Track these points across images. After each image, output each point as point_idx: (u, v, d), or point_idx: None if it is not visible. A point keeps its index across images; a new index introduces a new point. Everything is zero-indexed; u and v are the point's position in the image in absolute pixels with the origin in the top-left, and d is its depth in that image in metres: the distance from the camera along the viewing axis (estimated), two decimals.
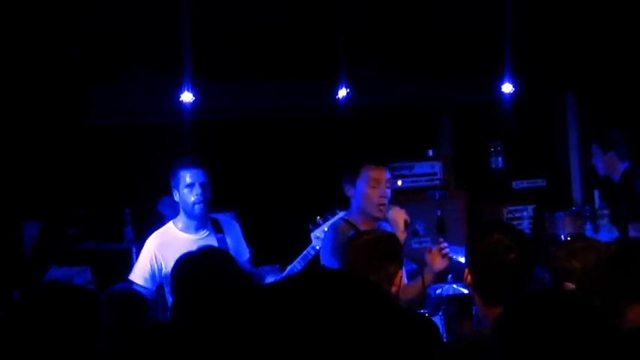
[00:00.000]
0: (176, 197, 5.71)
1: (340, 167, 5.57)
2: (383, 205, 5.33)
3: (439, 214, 8.79)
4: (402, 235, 5.20)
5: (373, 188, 5.31)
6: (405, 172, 8.96)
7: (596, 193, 9.01)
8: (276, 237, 7.78)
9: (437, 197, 8.88)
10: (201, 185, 5.64)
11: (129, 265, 7.70)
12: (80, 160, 8.19)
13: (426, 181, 9.03)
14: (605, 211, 8.76)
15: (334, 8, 7.93)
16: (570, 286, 3.84)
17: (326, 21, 8.05)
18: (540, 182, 9.48)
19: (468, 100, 9.46)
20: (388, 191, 5.38)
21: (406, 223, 5.33)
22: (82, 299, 3.24)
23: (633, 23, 8.30)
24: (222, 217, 5.87)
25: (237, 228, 5.95)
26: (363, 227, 5.20)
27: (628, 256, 3.50)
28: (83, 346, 3.12)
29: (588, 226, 8.77)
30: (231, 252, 5.67)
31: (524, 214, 9.13)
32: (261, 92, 8.71)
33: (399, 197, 8.82)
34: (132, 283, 5.74)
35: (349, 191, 5.38)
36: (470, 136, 9.71)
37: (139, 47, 7.77)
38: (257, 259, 6.13)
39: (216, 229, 5.75)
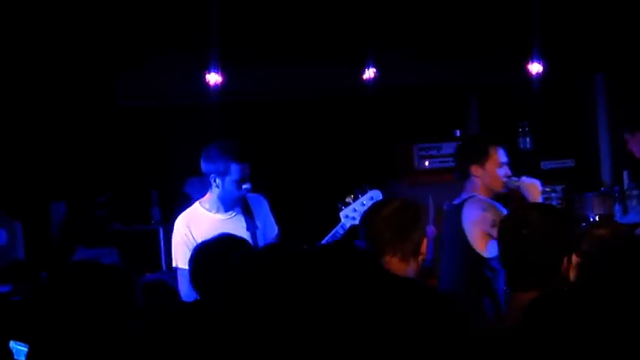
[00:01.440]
0: (216, 183, 5.56)
1: (466, 150, 6.08)
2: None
3: None
4: None
5: (500, 168, 5.82)
6: (433, 152, 8.91)
7: (625, 174, 8.93)
8: (304, 219, 7.76)
9: None
10: (249, 177, 5.58)
11: (156, 247, 7.73)
12: (107, 142, 8.20)
13: (453, 161, 8.96)
14: (634, 192, 8.68)
15: None
16: None
17: (353, 2, 8.01)
18: (569, 162, 9.41)
19: (495, 81, 9.40)
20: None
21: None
22: (117, 278, 3.23)
23: None
24: (250, 196, 5.82)
25: (265, 206, 5.90)
26: None
27: None
28: (115, 325, 3.11)
29: (617, 207, 8.69)
30: (260, 230, 5.66)
31: (553, 195, 9.06)
32: (288, 74, 8.67)
33: (426, 178, 8.82)
34: (175, 269, 5.63)
35: (476, 172, 5.81)
36: (498, 117, 9.65)
37: (167, 29, 7.75)
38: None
39: (245, 208, 5.70)
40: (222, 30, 7.61)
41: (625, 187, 8.85)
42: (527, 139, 9.36)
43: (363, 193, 5.62)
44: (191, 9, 7.57)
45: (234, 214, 5.69)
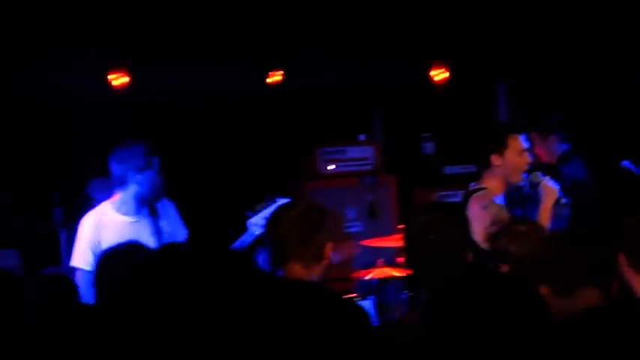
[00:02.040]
0: (135, 179, 5.51)
1: (484, 140, 5.92)
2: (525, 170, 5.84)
3: (370, 198, 8.84)
4: (546, 213, 5.62)
5: (521, 155, 5.76)
6: (338, 156, 8.97)
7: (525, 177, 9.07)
8: (210, 223, 7.73)
9: (368, 182, 8.91)
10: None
11: (57, 248, 7.63)
12: (7, 140, 8.08)
13: (357, 165, 9.05)
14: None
15: None
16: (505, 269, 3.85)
17: (259, 3, 8.00)
18: (472, 168, 9.52)
19: (400, 86, 9.49)
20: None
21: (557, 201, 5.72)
22: (7, 284, 3.24)
23: (563, 11, 8.38)
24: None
25: (172, 209, 5.85)
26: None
27: (579, 240, 3.49)
28: (10, 321, 3.12)
29: (517, 212, 8.81)
30: (166, 235, 5.63)
31: (456, 199, 9.18)
32: (194, 75, 8.64)
33: (331, 182, 8.88)
34: (74, 269, 5.53)
35: (497, 161, 5.74)
36: (402, 122, 9.75)
37: (71, 25, 7.65)
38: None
39: (152, 211, 5.66)
40: (127, 28, 7.54)
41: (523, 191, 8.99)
42: (430, 145, 9.47)
43: (272, 202, 5.61)
44: (95, 6, 7.49)
45: (141, 218, 5.64)
